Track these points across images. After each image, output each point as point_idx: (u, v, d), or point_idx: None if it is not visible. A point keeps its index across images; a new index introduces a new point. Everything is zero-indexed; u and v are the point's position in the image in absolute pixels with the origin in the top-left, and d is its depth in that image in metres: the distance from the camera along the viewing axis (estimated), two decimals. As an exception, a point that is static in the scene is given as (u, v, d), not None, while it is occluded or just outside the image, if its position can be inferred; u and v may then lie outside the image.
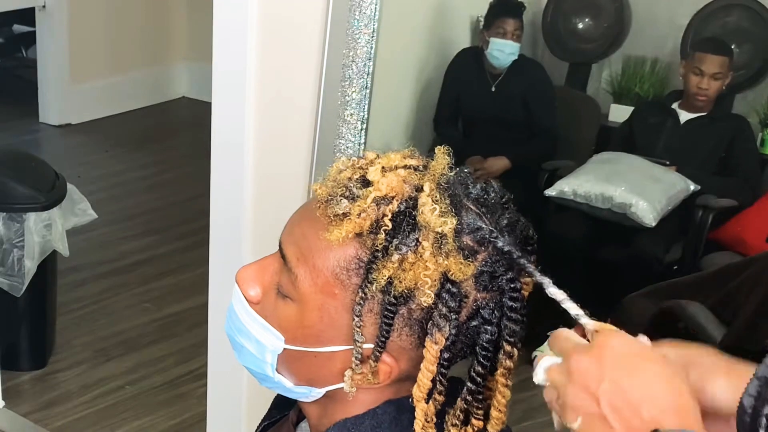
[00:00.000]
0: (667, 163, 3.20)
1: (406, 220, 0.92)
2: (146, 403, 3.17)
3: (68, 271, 3.79)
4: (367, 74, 2.03)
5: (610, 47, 3.57)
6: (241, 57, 2.16)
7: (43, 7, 5.53)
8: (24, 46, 6.30)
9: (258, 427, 1.17)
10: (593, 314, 0.88)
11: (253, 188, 2.25)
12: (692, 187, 3.13)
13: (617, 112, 3.49)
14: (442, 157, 0.96)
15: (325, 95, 2.08)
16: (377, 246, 0.92)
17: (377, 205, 0.93)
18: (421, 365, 0.93)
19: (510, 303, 0.94)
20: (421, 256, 0.91)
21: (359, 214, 0.92)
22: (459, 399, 0.96)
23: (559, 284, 0.90)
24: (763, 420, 0.80)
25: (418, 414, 0.95)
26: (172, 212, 4.61)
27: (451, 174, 0.96)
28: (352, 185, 0.94)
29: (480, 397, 0.95)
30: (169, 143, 5.65)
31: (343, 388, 0.97)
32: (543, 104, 3.48)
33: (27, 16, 5.79)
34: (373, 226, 0.92)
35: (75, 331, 3.55)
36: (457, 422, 0.96)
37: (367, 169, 0.95)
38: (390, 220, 0.92)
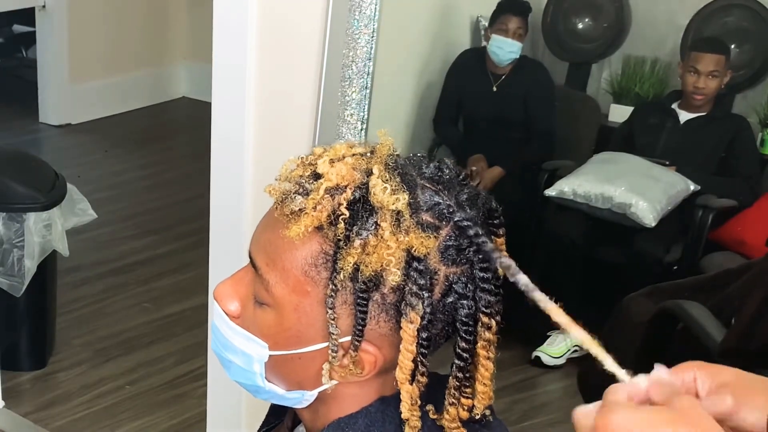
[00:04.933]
0: (667, 163, 3.20)
1: (362, 206, 0.92)
2: (146, 403, 3.16)
3: (68, 271, 3.79)
4: (367, 74, 2.02)
5: (609, 47, 3.57)
6: (241, 56, 2.16)
7: (43, 7, 5.53)
8: (24, 46, 6.29)
9: (256, 433, 1.17)
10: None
11: (253, 188, 2.25)
12: (692, 187, 3.13)
13: (617, 112, 3.49)
14: (385, 139, 0.97)
15: (325, 95, 2.08)
16: (339, 236, 0.92)
17: (331, 195, 0.93)
18: (400, 346, 0.94)
19: (481, 274, 0.94)
20: (381, 238, 0.91)
21: (315, 207, 0.93)
22: (450, 377, 0.97)
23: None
24: None
25: (404, 396, 0.96)
26: (172, 212, 4.60)
27: (397, 153, 0.96)
28: (303, 181, 0.95)
29: (468, 374, 0.96)
30: (169, 143, 5.65)
31: (333, 387, 0.98)
32: (542, 107, 3.48)
33: (27, 16, 5.79)
34: (331, 217, 0.93)
35: (75, 331, 3.54)
36: (455, 401, 0.97)
37: (316, 163, 0.96)
38: (346, 208, 0.92)
